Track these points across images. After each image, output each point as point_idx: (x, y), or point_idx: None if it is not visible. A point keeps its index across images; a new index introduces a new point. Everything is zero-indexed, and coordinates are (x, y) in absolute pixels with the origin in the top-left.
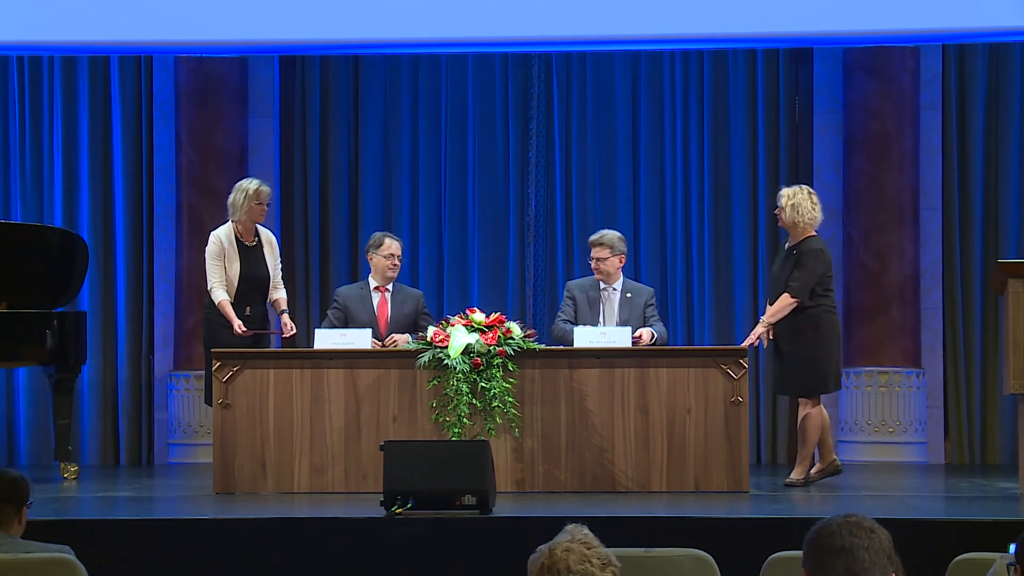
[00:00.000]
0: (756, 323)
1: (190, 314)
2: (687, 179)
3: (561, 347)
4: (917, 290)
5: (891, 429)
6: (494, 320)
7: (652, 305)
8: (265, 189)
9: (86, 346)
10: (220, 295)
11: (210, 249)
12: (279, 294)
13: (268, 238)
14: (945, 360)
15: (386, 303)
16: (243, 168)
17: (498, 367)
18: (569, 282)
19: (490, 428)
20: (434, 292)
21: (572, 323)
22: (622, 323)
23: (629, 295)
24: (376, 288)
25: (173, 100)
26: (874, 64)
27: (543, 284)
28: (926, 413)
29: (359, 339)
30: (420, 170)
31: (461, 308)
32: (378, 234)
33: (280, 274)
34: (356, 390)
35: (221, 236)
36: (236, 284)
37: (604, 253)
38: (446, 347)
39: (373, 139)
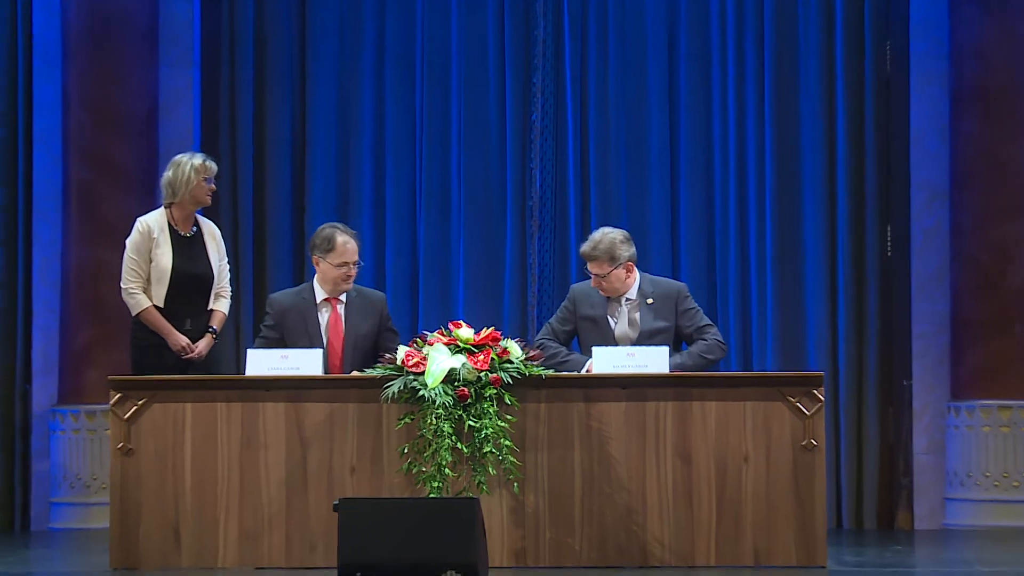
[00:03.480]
0: (836, 340)
1: (81, 330)
2: (742, 149)
3: (575, 374)
4: None
5: (1016, 483)
6: (486, 337)
7: (691, 309)
8: (212, 164)
9: None
10: (142, 301)
11: (132, 239)
12: (218, 305)
13: (211, 229)
14: None
15: (339, 319)
16: (151, 135)
17: (491, 400)
18: (576, 285)
19: (480, 482)
20: (406, 301)
21: (556, 342)
22: (643, 338)
23: (651, 301)
24: (326, 300)
25: (59, 45)
26: None
27: (550, 289)
28: None
29: (306, 362)
30: (387, 138)
31: (442, 321)
32: (326, 230)
33: (227, 277)
34: (302, 430)
35: (150, 223)
36: (167, 285)
37: (602, 268)
38: (422, 373)
39: (325, 97)
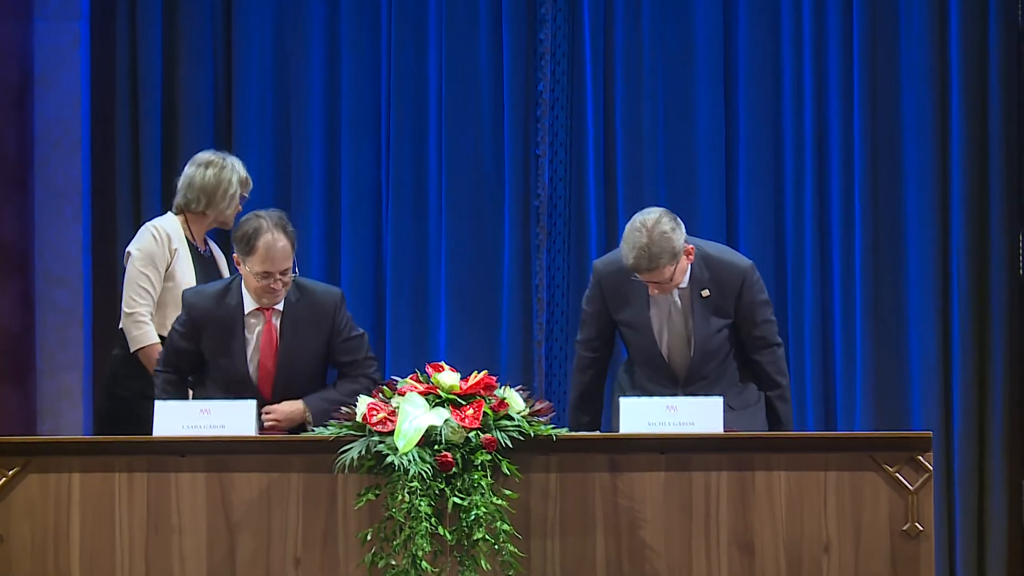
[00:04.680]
0: (949, 389)
1: None
2: (821, 134)
3: (598, 434)
4: None
5: None
6: (477, 385)
7: (758, 303)
8: (249, 178)
9: None
10: (150, 333)
11: (143, 248)
12: None
13: (218, 252)
14: None
15: (272, 332)
16: (24, 108)
17: (484, 470)
18: (600, 263)
19: None
20: (368, 327)
21: (599, 345)
22: (699, 352)
23: (707, 294)
24: (257, 309)
25: None
26: None
27: (563, 320)
28: None
29: (235, 418)
30: (342, 112)
31: (417, 363)
32: (251, 222)
33: None
34: (228, 510)
35: (168, 230)
36: None
37: (668, 271)
38: (391, 433)
39: (259, 55)
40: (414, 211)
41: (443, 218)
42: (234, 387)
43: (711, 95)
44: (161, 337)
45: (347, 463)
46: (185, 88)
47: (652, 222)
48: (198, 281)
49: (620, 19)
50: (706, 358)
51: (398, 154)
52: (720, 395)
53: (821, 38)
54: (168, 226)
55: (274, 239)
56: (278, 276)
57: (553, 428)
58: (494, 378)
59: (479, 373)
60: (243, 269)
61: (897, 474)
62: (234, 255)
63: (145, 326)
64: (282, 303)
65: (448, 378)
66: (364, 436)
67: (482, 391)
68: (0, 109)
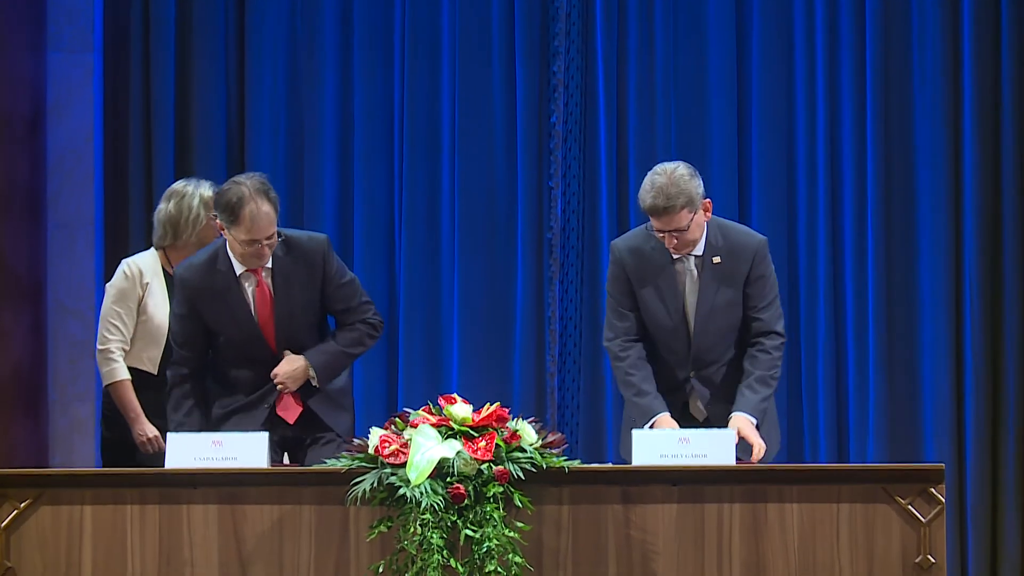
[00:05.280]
0: (963, 418)
1: None
2: (834, 154)
3: (610, 466)
4: None
5: None
6: (489, 417)
7: (762, 278)
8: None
9: None
10: (117, 370)
11: (115, 285)
12: None
13: None
14: None
15: (265, 291)
16: (36, 139)
17: (496, 502)
18: (617, 243)
19: None
20: (379, 364)
21: (636, 338)
22: (700, 326)
23: (718, 261)
24: (247, 271)
25: None
26: None
27: (576, 352)
28: None
29: (247, 450)
30: (355, 142)
31: (429, 395)
32: (231, 191)
33: None
34: (240, 542)
35: (142, 266)
36: (163, 346)
37: (684, 218)
38: (403, 465)
39: (271, 86)
40: (427, 243)
41: (456, 250)
42: (248, 349)
43: (724, 126)
44: (135, 370)
45: (359, 495)
46: (198, 118)
47: (672, 168)
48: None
49: (633, 51)
50: (708, 333)
51: (411, 185)
52: (734, 376)
53: (834, 72)
54: (143, 261)
55: (258, 207)
56: (263, 243)
57: (565, 460)
58: (506, 410)
59: (491, 405)
60: (228, 236)
61: (910, 506)
62: (217, 221)
63: (114, 363)
64: (270, 259)
65: (460, 410)
66: (376, 468)
67: (494, 423)
68: (13, 141)
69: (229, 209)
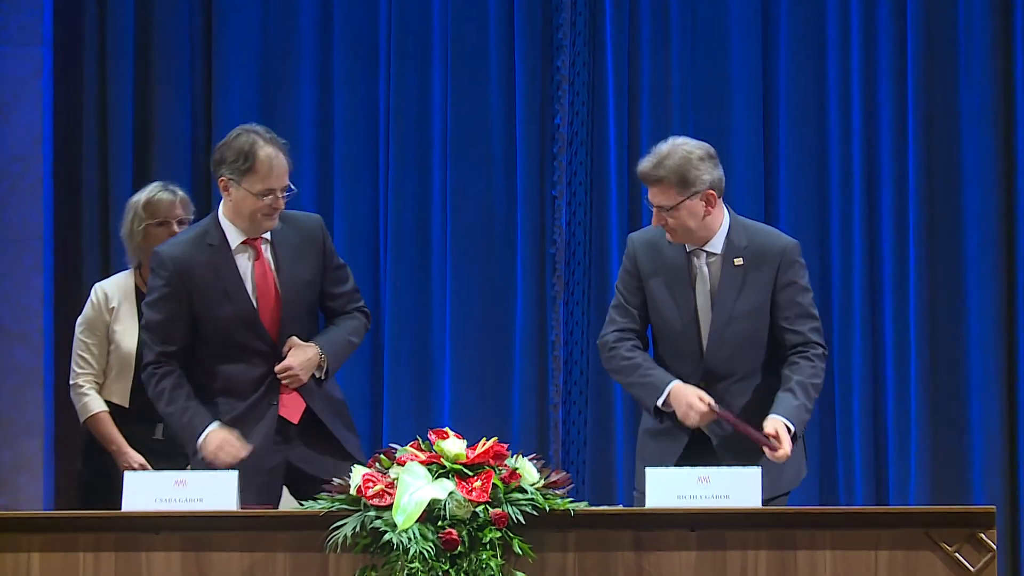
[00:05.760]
0: (1015, 456)
1: None
2: (871, 161)
3: (621, 508)
4: None
5: None
6: (485, 453)
7: (795, 285)
8: (164, 197)
9: None
10: (91, 404)
11: (83, 315)
12: None
13: None
14: None
15: (267, 268)
16: None
17: (493, 548)
18: (635, 235)
19: None
20: (362, 393)
21: (635, 335)
22: (716, 334)
23: (740, 262)
24: (244, 242)
25: None
26: None
27: (582, 381)
28: None
29: (214, 490)
30: (335, 146)
31: (418, 429)
32: (241, 136)
33: None
34: None
35: (107, 290)
36: (132, 376)
37: (668, 195)
38: (389, 507)
39: (242, 85)
40: (415, 260)
41: (448, 268)
42: (241, 335)
43: (749, 129)
44: (119, 408)
45: (340, 541)
46: (160, 122)
47: (683, 141)
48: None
49: (647, 43)
50: (724, 343)
51: (397, 197)
52: (752, 396)
53: (871, 64)
54: (111, 284)
55: (273, 153)
56: (280, 193)
57: (571, 502)
58: (505, 446)
59: (488, 440)
60: (235, 192)
61: (956, 553)
62: (219, 177)
63: (86, 396)
64: (269, 232)
65: (453, 446)
66: (359, 511)
67: (491, 460)
68: None
69: (242, 157)
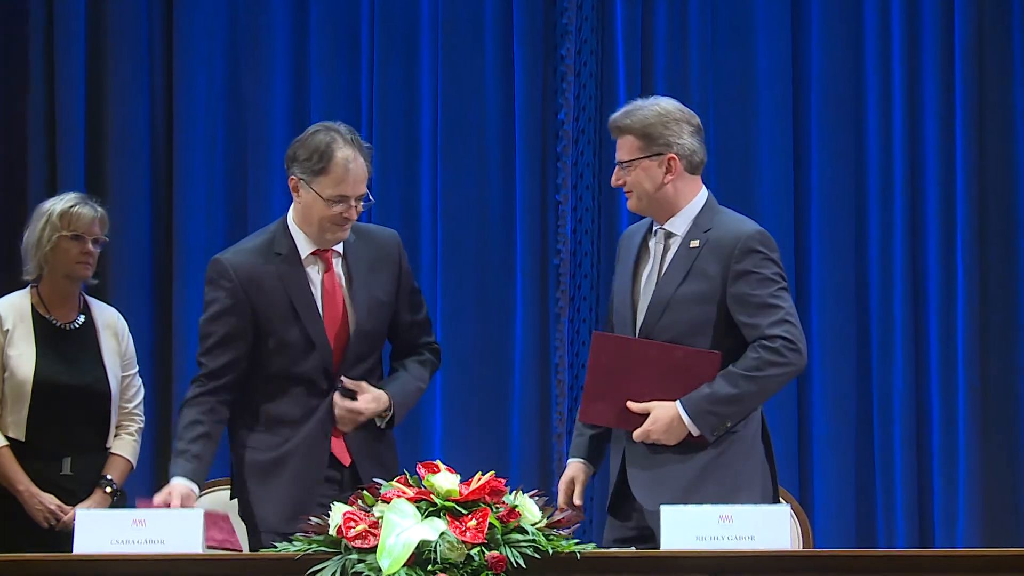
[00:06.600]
0: None
1: None
2: (915, 168)
3: (632, 551)
4: None
5: None
6: (481, 489)
7: (752, 274)
8: (85, 211)
9: None
10: None
11: None
12: (120, 446)
13: (108, 319)
14: None
15: (336, 283)
16: None
17: None
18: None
19: None
20: None
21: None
22: (649, 318)
23: (695, 245)
24: (313, 253)
25: None
26: None
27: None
28: None
29: (178, 531)
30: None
31: (407, 462)
32: (319, 134)
33: (138, 399)
34: None
35: (1, 312)
36: (27, 405)
37: (628, 149)
38: (373, 550)
39: (206, 77)
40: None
41: (438, 282)
42: (303, 358)
43: (777, 125)
44: (16, 442)
45: None
46: (114, 121)
47: (667, 101)
48: (42, 362)
49: (662, 29)
50: (656, 330)
51: (382, 201)
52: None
53: (914, 53)
54: (5, 306)
55: (352, 155)
56: (356, 202)
57: (576, 543)
58: (502, 480)
59: (484, 474)
60: (305, 195)
61: None
62: (290, 176)
63: None
64: (341, 244)
65: (445, 481)
66: (339, 553)
67: (487, 497)
68: None
69: (317, 155)
